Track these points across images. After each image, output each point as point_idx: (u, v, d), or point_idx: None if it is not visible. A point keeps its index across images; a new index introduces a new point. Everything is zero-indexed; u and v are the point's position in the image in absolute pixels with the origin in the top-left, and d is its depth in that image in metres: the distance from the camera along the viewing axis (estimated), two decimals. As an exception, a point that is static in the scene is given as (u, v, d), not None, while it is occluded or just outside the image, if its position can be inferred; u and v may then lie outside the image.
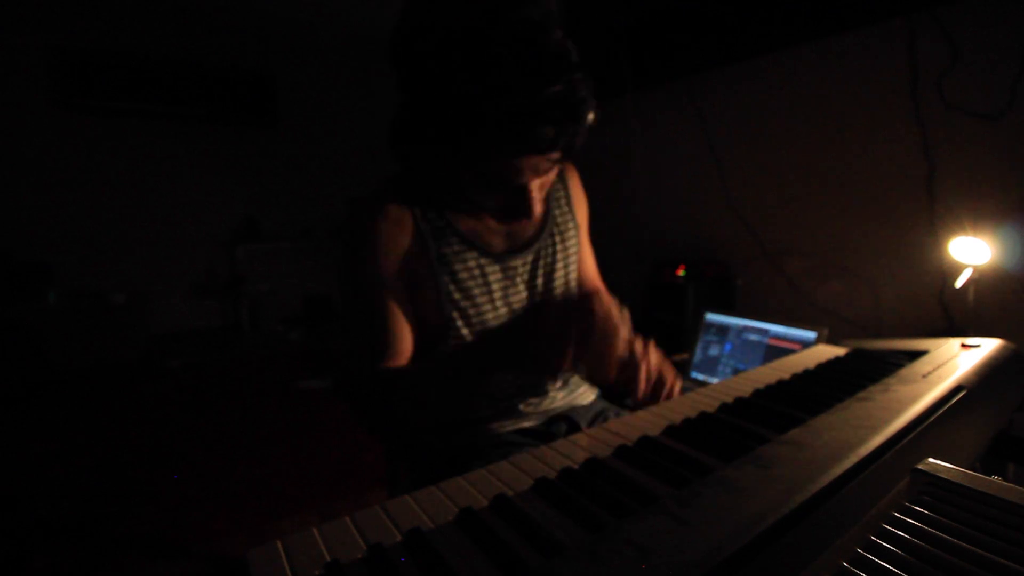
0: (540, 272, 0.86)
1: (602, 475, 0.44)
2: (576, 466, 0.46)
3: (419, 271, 0.76)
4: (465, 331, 0.79)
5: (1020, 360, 0.71)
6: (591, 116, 0.64)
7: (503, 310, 0.83)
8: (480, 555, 0.34)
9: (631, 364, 0.66)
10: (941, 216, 2.08)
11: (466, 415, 0.84)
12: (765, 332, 1.57)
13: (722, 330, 1.70)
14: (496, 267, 0.81)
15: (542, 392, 0.90)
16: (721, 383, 0.68)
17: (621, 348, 0.62)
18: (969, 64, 1.96)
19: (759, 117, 2.73)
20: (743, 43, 2.75)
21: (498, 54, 0.57)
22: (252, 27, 3.97)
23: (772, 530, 0.33)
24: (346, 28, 4.19)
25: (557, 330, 0.59)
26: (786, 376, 0.69)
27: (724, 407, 0.59)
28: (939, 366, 0.64)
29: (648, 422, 0.56)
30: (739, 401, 0.61)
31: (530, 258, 0.85)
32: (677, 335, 2.59)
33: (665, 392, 0.71)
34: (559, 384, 0.93)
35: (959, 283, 1.86)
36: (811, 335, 1.45)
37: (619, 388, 0.95)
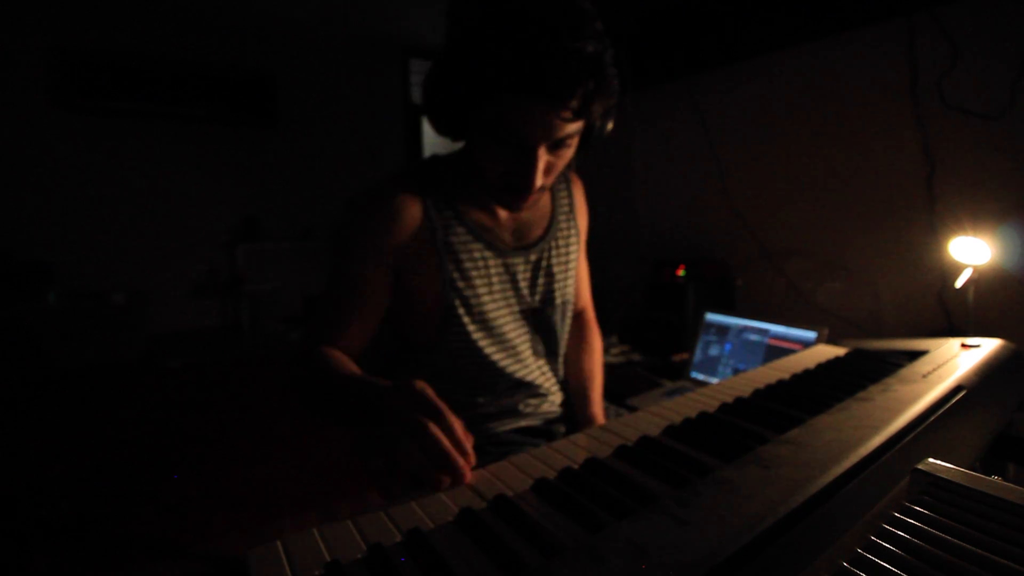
0: (542, 274, 0.87)
1: (602, 475, 0.44)
2: (576, 466, 0.46)
3: (423, 256, 0.76)
4: (467, 319, 0.79)
5: (1020, 360, 0.71)
6: (609, 96, 0.67)
7: (502, 305, 0.83)
8: (480, 555, 0.34)
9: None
10: (941, 216, 2.08)
11: (467, 410, 0.85)
12: (765, 332, 1.57)
13: (722, 330, 1.70)
14: (499, 261, 0.82)
15: (540, 394, 0.90)
16: (721, 383, 0.68)
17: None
18: (969, 64, 1.96)
19: (759, 117, 2.73)
20: (743, 43, 2.75)
21: (531, 6, 0.60)
22: (252, 27, 3.97)
23: (772, 530, 0.33)
24: (346, 28, 4.19)
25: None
26: (786, 376, 0.69)
27: (724, 407, 0.59)
28: (939, 366, 0.64)
29: (648, 422, 0.56)
30: (739, 401, 0.61)
31: (533, 258, 0.86)
32: (677, 335, 2.59)
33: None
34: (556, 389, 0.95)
35: (959, 283, 1.86)
36: (811, 335, 1.45)
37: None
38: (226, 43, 3.91)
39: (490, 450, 0.82)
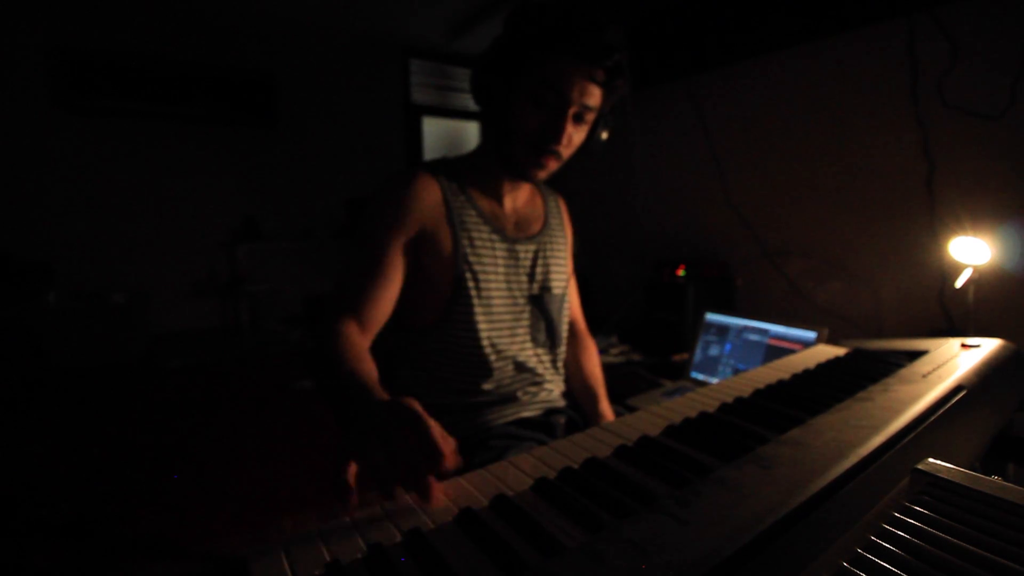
0: (539, 264, 0.95)
1: (602, 475, 0.44)
2: (576, 466, 0.46)
3: (440, 230, 0.85)
4: (473, 293, 0.86)
5: (1020, 360, 0.71)
6: (626, 80, 0.82)
7: (504, 287, 0.90)
8: (480, 555, 0.34)
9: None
10: (941, 216, 2.08)
11: (467, 397, 0.89)
12: (765, 332, 1.57)
13: (722, 330, 1.70)
14: (504, 246, 0.91)
15: (538, 382, 0.96)
16: (721, 383, 0.68)
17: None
18: (969, 64, 1.96)
19: (759, 117, 2.73)
20: (743, 43, 2.75)
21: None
22: (252, 27, 3.97)
23: (772, 530, 0.33)
24: (346, 28, 4.19)
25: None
26: (786, 376, 0.69)
27: (724, 407, 0.59)
28: (939, 366, 0.64)
29: (648, 422, 0.56)
30: (739, 401, 0.61)
31: (533, 248, 0.94)
32: (677, 335, 2.59)
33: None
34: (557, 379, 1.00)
35: (959, 283, 1.86)
36: (811, 335, 1.45)
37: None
38: (226, 43, 3.91)
39: (491, 444, 0.83)
